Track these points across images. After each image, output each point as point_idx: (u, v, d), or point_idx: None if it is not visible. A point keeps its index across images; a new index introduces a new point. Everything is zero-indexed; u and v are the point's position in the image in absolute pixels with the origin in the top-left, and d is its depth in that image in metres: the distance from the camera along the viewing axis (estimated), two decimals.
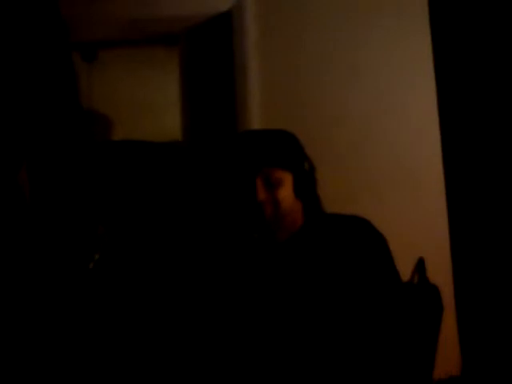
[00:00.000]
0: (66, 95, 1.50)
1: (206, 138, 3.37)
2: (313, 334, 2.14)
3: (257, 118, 3.19)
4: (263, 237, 2.33)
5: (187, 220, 2.25)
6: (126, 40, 3.76)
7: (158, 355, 2.19)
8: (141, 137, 2.14)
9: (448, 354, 2.74)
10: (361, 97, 3.23)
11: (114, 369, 2.15)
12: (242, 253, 2.38)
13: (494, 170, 3.11)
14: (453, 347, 2.95)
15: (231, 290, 2.25)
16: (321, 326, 2.14)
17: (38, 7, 1.43)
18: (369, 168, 3.13)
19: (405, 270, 2.32)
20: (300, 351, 2.14)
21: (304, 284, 2.19)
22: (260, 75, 3.25)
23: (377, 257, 2.22)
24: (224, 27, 3.35)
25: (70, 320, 1.90)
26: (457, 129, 3.18)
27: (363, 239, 2.23)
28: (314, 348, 2.14)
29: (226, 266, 2.32)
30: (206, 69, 3.44)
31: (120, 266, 1.95)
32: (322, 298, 2.16)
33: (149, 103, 4.74)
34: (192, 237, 2.81)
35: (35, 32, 1.41)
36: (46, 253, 1.49)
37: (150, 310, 2.29)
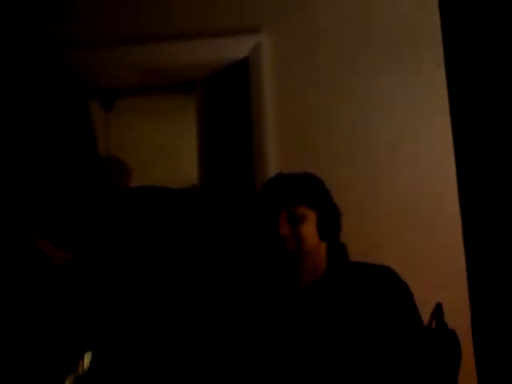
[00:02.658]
0: (83, 147, 1.51)
1: (224, 183, 3.38)
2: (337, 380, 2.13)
3: (274, 162, 3.20)
4: (286, 274, 2.34)
5: (205, 268, 2.25)
6: (144, 88, 3.80)
7: None
8: (158, 183, 2.14)
9: None
10: (377, 138, 3.24)
11: None
12: (268, 297, 2.38)
13: None
14: None
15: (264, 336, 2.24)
16: (345, 372, 2.12)
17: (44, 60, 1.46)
18: (383, 210, 3.13)
19: (423, 316, 2.30)
20: None
21: (328, 331, 2.18)
22: (277, 120, 3.27)
23: (401, 306, 2.22)
24: (241, 73, 3.38)
25: None
26: (473, 168, 3.17)
27: (388, 288, 2.23)
28: None
29: (256, 311, 2.32)
30: (223, 114, 3.46)
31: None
32: (346, 345, 2.15)
33: (166, 149, 4.78)
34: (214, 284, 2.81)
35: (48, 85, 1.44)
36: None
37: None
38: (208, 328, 2.37)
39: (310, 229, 2.28)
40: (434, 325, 2.25)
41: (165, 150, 4.82)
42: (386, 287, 2.24)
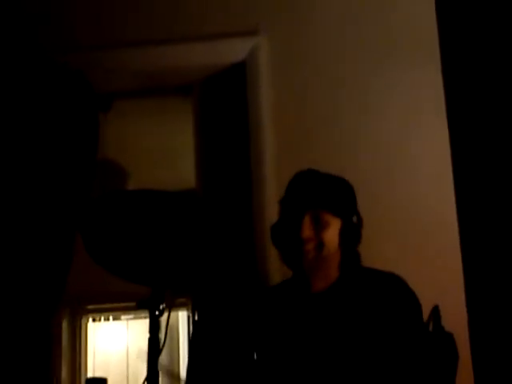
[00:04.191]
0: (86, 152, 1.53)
1: (221, 186, 3.38)
2: None
3: (271, 164, 3.20)
4: (298, 275, 2.33)
5: (203, 271, 2.25)
6: (141, 90, 3.80)
7: None
8: (155, 186, 2.15)
9: None
10: (376, 139, 3.24)
11: None
12: (267, 301, 2.38)
13: (509, 215, 3.10)
14: None
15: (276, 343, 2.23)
16: (350, 378, 2.13)
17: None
18: (381, 214, 3.13)
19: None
20: None
21: (336, 337, 2.18)
22: (274, 123, 3.27)
23: (409, 315, 2.22)
24: (238, 77, 3.38)
25: None
26: (470, 175, 3.17)
27: (397, 297, 2.24)
28: None
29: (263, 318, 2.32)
30: (220, 117, 3.46)
31: None
32: (352, 351, 2.15)
33: (163, 152, 4.77)
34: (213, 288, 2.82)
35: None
36: None
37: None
38: (216, 332, 2.37)
39: (332, 235, 2.26)
40: (431, 327, 2.25)
41: (162, 152, 4.81)
42: (396, 296, 2.24)
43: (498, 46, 3.24)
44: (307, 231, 2.24)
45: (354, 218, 2.32)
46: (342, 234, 2.28)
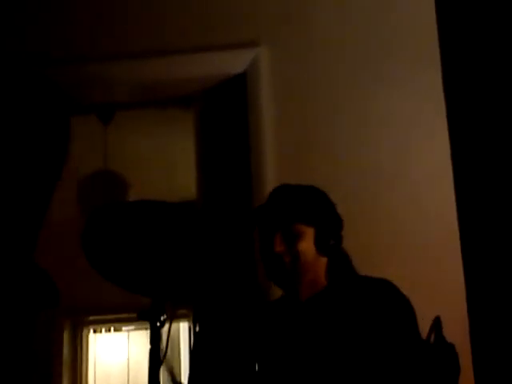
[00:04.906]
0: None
1: (221, 197, 3.38)
2: None
3: (272, 175, 3.20)
4: (285, 289, 2.34)
5: (203, 283, 2.25)
6: (142, 102, 3.81)
7: None
8: (155, 197, 2.15)
9: None
10: (376, 150, 3.24)
11: None
12: (266, 313, 2.38)
13: (510, 215, 3.08)
14: None
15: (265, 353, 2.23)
16: None
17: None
18: (381, 215, 3.12)
19: (421, 330, 2.30)
20: None
21: (326, 347, 2.18)
22: (274, 134, 3.28)
23: (401, 321, 2.21)
24: (238, 88, 3.38)
25: None
26: (470, 175, 3.16)
27: (388, 303, 2.23)
28: None
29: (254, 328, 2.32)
30: (220, 129, 3.46)
31: None
32: (346, 362, 2.14)
33: (164, 163, 4.78)
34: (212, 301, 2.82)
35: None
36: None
37: None
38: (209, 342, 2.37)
39: (306, 245, 2.28)
40: (432, 339, 2.25)
41: (163, 163, 4.83)
42: (386, 302, 2.24)
43: (498, 46, 3.24)
44: (278, 248, 2.27)
45: (330, 221, 2.33)
46: (317, 240, 2.29)
